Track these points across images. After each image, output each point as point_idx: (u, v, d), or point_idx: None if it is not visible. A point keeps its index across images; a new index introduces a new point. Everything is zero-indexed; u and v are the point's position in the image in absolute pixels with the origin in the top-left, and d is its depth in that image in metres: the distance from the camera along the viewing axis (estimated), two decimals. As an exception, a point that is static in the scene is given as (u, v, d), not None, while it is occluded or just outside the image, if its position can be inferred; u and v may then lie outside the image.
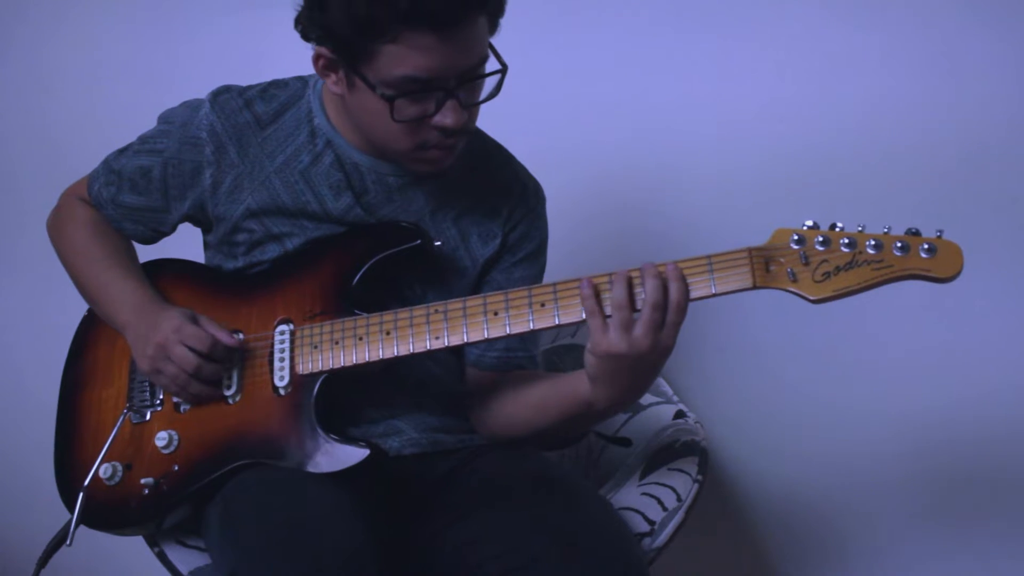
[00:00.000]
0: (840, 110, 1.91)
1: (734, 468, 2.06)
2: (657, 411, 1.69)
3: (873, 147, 1.90)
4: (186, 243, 1.58)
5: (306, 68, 1.40)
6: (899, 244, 1.17)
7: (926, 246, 1.16)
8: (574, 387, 1.35)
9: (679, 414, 1.67)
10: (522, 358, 1.49)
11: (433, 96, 1.29)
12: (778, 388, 2.02)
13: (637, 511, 1.44)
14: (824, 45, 1.92)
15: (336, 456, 1.34)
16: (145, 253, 1.57)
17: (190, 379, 1.38)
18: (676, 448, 1.54)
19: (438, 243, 1.43)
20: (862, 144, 1.91)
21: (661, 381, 1.75)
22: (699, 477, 1.47)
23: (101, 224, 1.54)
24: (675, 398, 1.72)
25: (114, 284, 1.48)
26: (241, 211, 1.44)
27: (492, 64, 1.33)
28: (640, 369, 1.26)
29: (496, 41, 1.32)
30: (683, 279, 1.22)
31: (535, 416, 1.43)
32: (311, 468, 1.34)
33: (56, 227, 1.59)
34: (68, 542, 1.40)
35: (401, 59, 1.26)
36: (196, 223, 1.53)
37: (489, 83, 1.34)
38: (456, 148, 1.38)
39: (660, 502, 1.45)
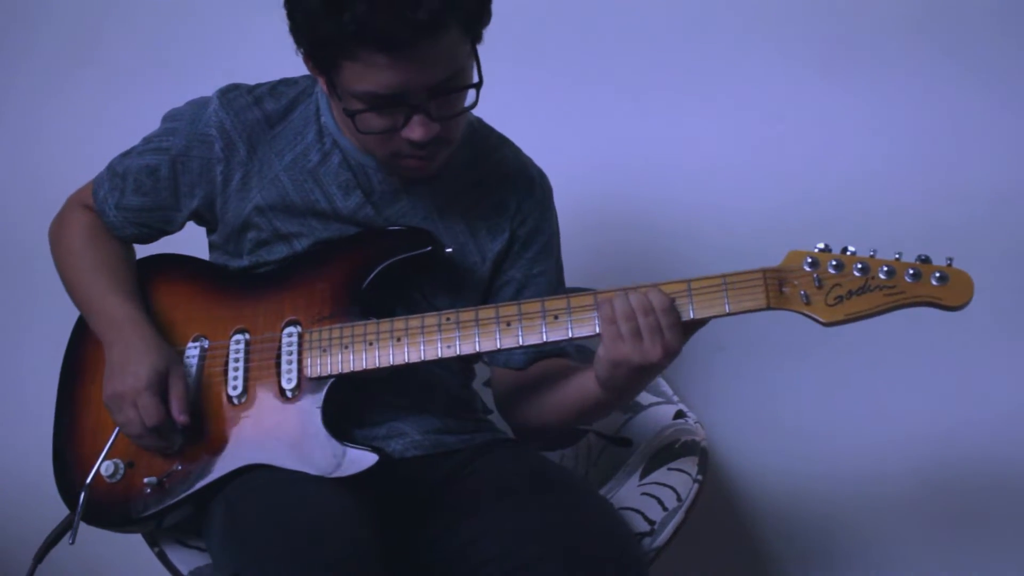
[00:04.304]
0: (854, 132, 1.93)
1: (734, 468, 2.07)
2: (657, 411, 1.70)
3: (886, 170, 1.92)
4: (190, 243, 1.55)
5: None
6: (911, 271, 1.18)
7: (938, 274, 1.17)
8: (583, 386, 1.38)
9: (679, 414, 1.67)
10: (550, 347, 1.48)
11: (402, 109, 1.28)
12: (778, 388, 2.03)
13: (637, 511, 1.46)
14: (837, 68, 1.94)
15: (343, 462, 1.33)
16: (148, 249, 1.55)
17: (141, 433, 1.37)
18: (676, 448, 1.55)
19: (449, 250, 1.42)
20: (874, 166, 1.93)
21: (661, 381, 1.75)
22: (699, 477, 1.48)
23: (99, 231, 1.52)
24: (675, 398, 1.73)
25: (101, 297, 1.46)
26: (249, 209, 1.43)
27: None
28: (649, 374, 1.30)
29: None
30: (660, 291, 1.26)
31: (558, 414, 1.45)
32: (316, 472, 1.33)
33: (55, 233, 1.56)
34: (71, 540, 1.39)
35: (360, 76, 1.25)
36: (201, 221, 1.51)
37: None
38: (437, 156, 1.36)
39: (660, 502, 1.46)
